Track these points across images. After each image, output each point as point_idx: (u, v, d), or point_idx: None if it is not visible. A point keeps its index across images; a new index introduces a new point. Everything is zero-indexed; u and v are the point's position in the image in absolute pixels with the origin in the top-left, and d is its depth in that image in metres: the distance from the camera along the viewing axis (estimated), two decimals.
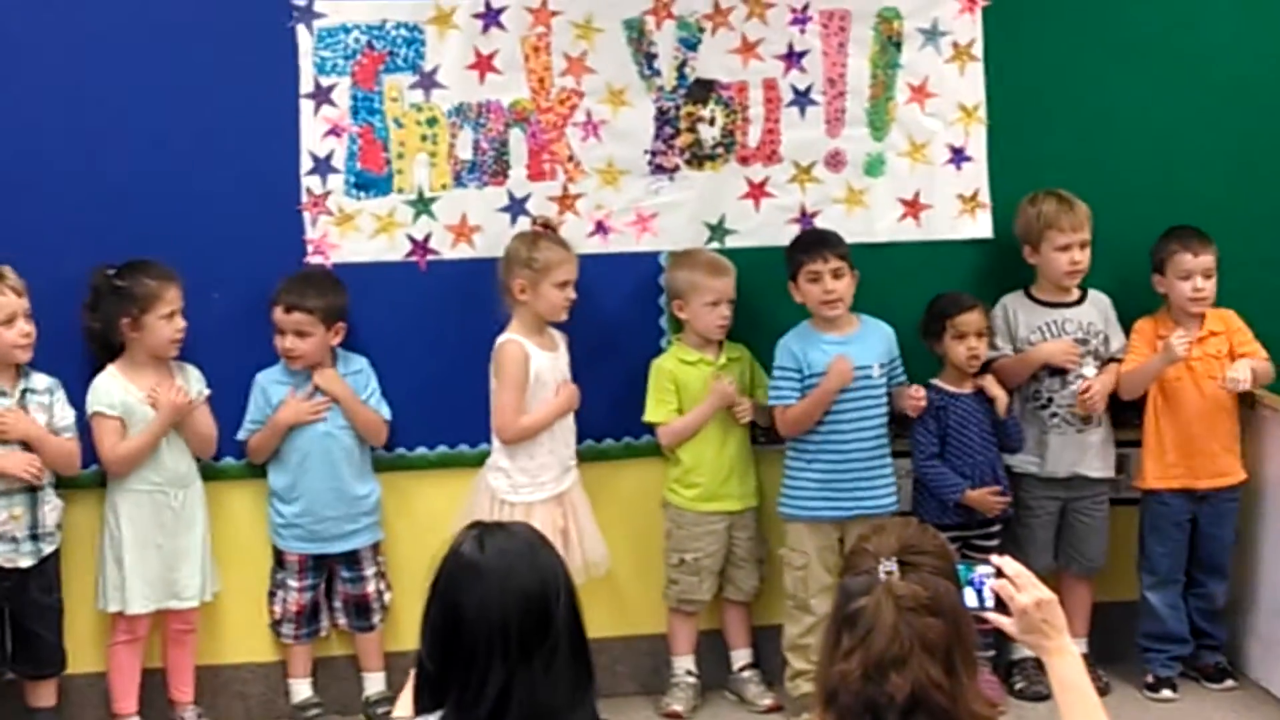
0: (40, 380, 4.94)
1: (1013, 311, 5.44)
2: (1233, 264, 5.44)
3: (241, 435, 5.20)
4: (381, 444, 5.27)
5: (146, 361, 5.03)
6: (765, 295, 5.37)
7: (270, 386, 5.18)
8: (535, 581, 2.69)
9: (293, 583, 5.23)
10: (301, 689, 5.32)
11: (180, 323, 5.01)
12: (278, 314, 5.10)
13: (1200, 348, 5.37)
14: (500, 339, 5.14)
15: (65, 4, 5.00)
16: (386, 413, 5.25)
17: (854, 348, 5.24)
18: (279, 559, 5.25)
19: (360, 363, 5.24)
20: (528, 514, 5.02)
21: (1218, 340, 5.44)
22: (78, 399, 5.00)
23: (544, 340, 5.19)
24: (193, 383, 5.12)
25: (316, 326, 5.09)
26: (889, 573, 2.61)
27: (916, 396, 5.27)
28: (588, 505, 5.28)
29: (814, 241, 5.26)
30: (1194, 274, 5.37)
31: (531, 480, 5.15)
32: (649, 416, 5.33)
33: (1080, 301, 5.46)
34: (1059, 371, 5.40)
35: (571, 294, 5.16)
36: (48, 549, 4.93)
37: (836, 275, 5.19)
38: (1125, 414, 5.50)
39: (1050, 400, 5.41)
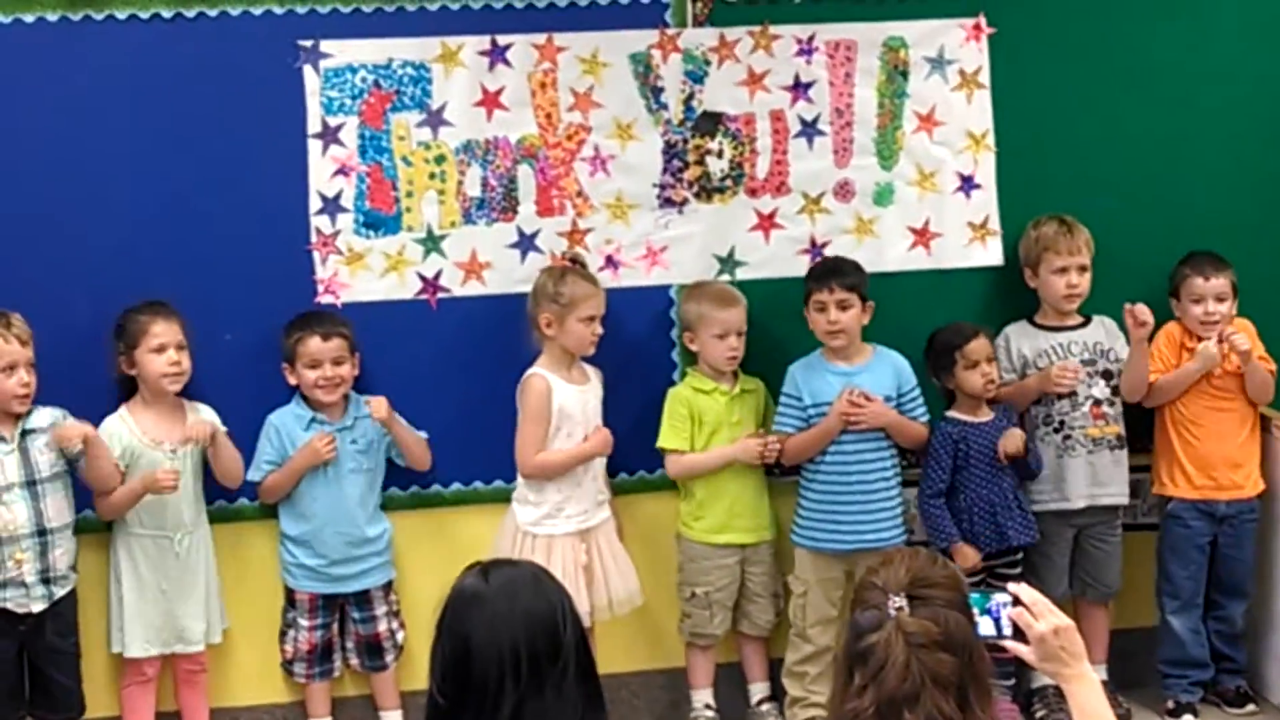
0: (41, 418, 4.88)
1: (1015, 341, 5.43)
2: (1246, 284, 5.42)
3: (255, 476, 5.17)
4: (427, 465, 5.26)
5: (153, 400, 5.00)
6: (777, 326, 5.36)
7: (286, 427, 5.16)
8: (541, 603, 2.70)
9: (304, 622, 5.22)
10: None
11: (172, 356, 4.95)
12: (313, 345, 5.07)
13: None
14: (526, 373, 5.14)
15: (74, 47, 5.00)
16: (422, 433, 5.26)
17: (860, 379, 5.21)
18: (290, 598, 5.24)
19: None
20: (549, 547, 5.03)
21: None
22: None
23: (573, 374, 5.18)
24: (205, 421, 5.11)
25: (349, 353, 5.11)
26: (899, 608, 2.59)
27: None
28: (620, 544, 5.26)
29: (825, 271, 5.24)
30: (1206, 298, 5.37)
31: (555, 512, 5.12)
32: (661, 442, 5.30)
33: (1085, 325, 5.45)
34: (1069, 394, 5.38)
35: (599, 329, 5.15)
36: (60, 592, 4.90)
37: (842, 306, 5.17)
38: (1139, 439, 5.48)
39: (1062, 424, 5.39)
